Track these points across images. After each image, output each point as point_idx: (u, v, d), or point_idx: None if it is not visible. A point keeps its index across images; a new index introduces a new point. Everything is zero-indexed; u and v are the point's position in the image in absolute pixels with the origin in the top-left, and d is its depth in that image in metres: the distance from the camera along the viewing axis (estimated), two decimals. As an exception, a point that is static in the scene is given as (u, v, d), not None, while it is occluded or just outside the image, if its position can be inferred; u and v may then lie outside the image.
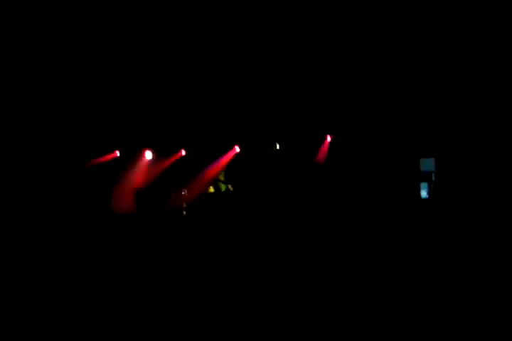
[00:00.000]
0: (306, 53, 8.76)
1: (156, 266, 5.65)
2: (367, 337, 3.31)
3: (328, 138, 10.71)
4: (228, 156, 12.27)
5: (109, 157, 13.14)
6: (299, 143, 10.53)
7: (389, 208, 8.43)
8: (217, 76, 9.69)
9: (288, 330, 3.41)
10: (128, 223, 9.11)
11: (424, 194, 9.02)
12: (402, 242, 6.82)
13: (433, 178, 9.02)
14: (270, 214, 9.03)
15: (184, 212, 10.62)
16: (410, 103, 8.91)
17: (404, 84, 8.68)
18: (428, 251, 6.18)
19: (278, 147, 11.28)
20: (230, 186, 11.06)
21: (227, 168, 11.50)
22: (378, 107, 9.18)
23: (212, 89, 10.17)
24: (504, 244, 6.04)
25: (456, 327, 3.40)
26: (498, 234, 6.61)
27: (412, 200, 8.84)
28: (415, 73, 8.63)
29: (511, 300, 3.88)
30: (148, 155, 13.55)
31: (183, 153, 13.56)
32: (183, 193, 10.70)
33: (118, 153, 13.19)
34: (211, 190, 11.00)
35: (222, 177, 11.21)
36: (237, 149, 12.77)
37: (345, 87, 9.19)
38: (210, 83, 9.98)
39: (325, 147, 10.44)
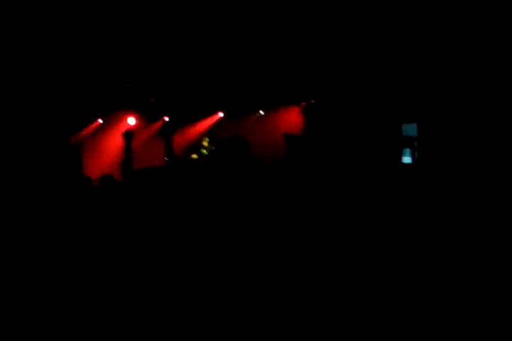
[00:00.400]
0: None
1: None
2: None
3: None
4: (211, 120, 12.17)
5: (92, 126, 13.01)
6: (282, 109, 10.47)
7: (371, 173, 8.42)
8: (200, 42, 9.46)
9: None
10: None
11: (407, 159, 9.00)
12: (385, 208, 6.83)
13: (416, 144, 8.99)
14: (252, 181, 8.99)
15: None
16: (391, 68, 8.79)
17: (385, 48, 8.52)
18: (412, 218, 6.20)
19: (262, 113, 11.19)
20: (212, 147, 10.90)
21: (211, 135, 11.40)
22: (359, 72, 9.06)
23: (195, 54, 9.96)
24: (487, 211, 6.06)
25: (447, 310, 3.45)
26: (481, 200, 6.64)
27: (394, 166, 8.83)
28: (397, 38, 8.47)
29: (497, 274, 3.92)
30: (131, 121, 13.41)
31: (166, 119, 13.44)
32: (165, 159, 10.67)
33: (100, 120, 13.06)
34: (194, 156, 10.93)
35: (205, 143, 11.11)
36: (221, 114, 12.67)
37: (327, 51, 9.02)
38: (194, 49, 9.76)
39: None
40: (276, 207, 7.12)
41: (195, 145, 11.06)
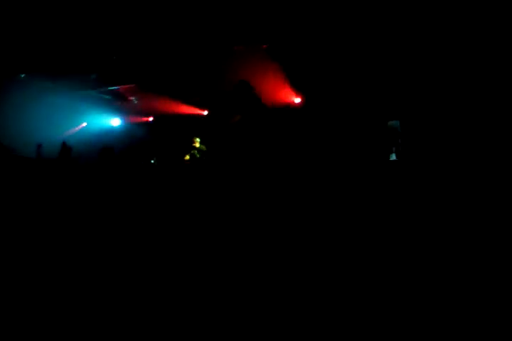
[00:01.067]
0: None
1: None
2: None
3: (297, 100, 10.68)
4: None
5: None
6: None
7: (357, 171, 8.52)
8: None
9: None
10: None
11: (392, 156, 9.10)
12: (374, 203, 6.92)
13: (399, 141, 9.09)
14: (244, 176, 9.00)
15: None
16: (375, 66, 8.87)
17: (370, 47, 8.59)
18: (399, 213, 6.30)
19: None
20: (203, 146, 10.76)
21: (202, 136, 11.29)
22: (343, 71, 9.12)
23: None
24: (471, 203, 6.14)
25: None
26: (466, 194, 6.75)
27: (381, 163, 8.93)
28: (382, 36, 8.53)
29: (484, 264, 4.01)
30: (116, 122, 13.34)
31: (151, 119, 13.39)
32: (152, 162, 10.59)
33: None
34: (187, 157, 10.73)
35: (197, 144, 10.89)
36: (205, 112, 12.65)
37: (313, 50, 9.06)
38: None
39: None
40: (265, 204, 7.20)
41: (186, 146, 10.85)
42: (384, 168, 8.77)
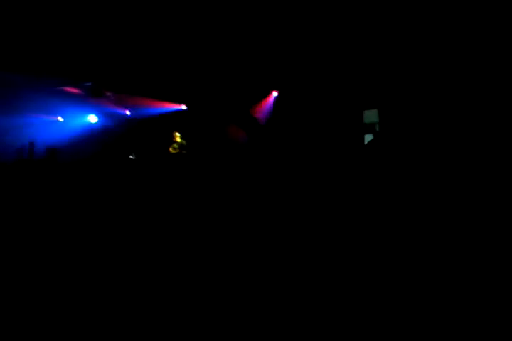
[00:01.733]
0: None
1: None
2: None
3: (274, 94, 10.66)
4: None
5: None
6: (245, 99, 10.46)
7: (335, 160, 8.57)
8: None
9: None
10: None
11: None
12: (350, 193, 6.97)
13: (377, 129, 9.18)
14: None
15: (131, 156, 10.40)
16: (351, 55, 8.90)
17: (347, 36, 8.62)
18: (375, 200, 6.34)
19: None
20: (183, 141, 10.73)
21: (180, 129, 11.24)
22: (320, 60, 9.13)
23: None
24: (448, 192, 6.22)
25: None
26: (444, 183, 6.83)
27: (357, 152, 9.01)
28: (358, 25, 8.56)
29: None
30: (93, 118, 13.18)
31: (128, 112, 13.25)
32: (131, 157, 10.50)
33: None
34: (172, 149, 10.69)
35: (178, 139, 10.84)
36: (183, 107, 12.59)
37: (290, 39, 9.05)
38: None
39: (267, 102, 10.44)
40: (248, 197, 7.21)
41: (167, 141, 10.81)
42: (361, 157, 8.87)
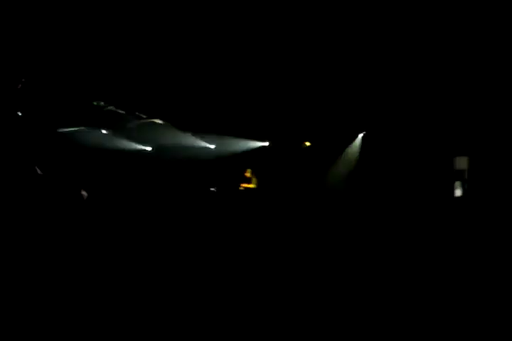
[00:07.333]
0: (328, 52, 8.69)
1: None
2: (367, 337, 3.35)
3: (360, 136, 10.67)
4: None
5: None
6: (329, 141, 10.54)
7: (423, 206, 8.42)
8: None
9: (288, 330, 3.44)
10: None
11: (458, 192, 8.98)
12: (435, 240, 6.82)
13: (466, 177, 8.97)
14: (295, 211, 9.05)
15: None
16: (443, 102, 8.84)
17: (439, 82, 8.60)
18: (460, 250, 6.18)
19: (309, 144, 11.28)
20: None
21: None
22: (411, 105, 9.12)
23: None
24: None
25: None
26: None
27: (446, 199, 8.81)
28: (449, 71, 8.54)
29: None
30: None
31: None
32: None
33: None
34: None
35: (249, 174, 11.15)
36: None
37: (377, 83, 9.13)
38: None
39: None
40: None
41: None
42: (449, 204, 8.66)
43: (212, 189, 11.04)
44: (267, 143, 12.67)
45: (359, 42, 7.98)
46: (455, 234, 7.22)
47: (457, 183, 8.93)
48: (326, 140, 10.67)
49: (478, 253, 5.93)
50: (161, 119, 11.83)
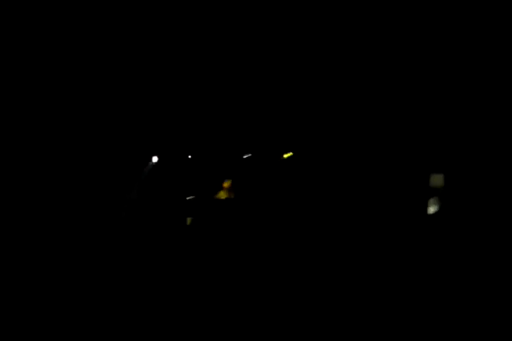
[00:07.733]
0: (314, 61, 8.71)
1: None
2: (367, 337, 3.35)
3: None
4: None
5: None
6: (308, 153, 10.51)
7: (397, 223, 8.42)
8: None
9: (288, 330, 3.43)
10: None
11: (432, 209, 8.95)
12: (410, 257, 6.84)
13: (442, 194, 8.94)
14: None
15: None
16: (418, 119, 8.87)
17: (416, 98, 8.62)
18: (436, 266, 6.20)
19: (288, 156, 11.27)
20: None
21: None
22: (387, 123, 9.15)
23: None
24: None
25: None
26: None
27: (420, 216, 8.79)
28: (426, 87, 8.57)
29: None
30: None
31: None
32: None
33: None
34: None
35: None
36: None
37: (355, 99, 9.15)
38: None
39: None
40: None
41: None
42: (422, 221, 8.64)
43: (188, 198, 11.00)
44: (249, 154, 12.65)
45: (340, 53, 8.03)
46: (428, 251, 7.23)
47: (432, 200, 8.91)
48: (308, 151, 10.65)
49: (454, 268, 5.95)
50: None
